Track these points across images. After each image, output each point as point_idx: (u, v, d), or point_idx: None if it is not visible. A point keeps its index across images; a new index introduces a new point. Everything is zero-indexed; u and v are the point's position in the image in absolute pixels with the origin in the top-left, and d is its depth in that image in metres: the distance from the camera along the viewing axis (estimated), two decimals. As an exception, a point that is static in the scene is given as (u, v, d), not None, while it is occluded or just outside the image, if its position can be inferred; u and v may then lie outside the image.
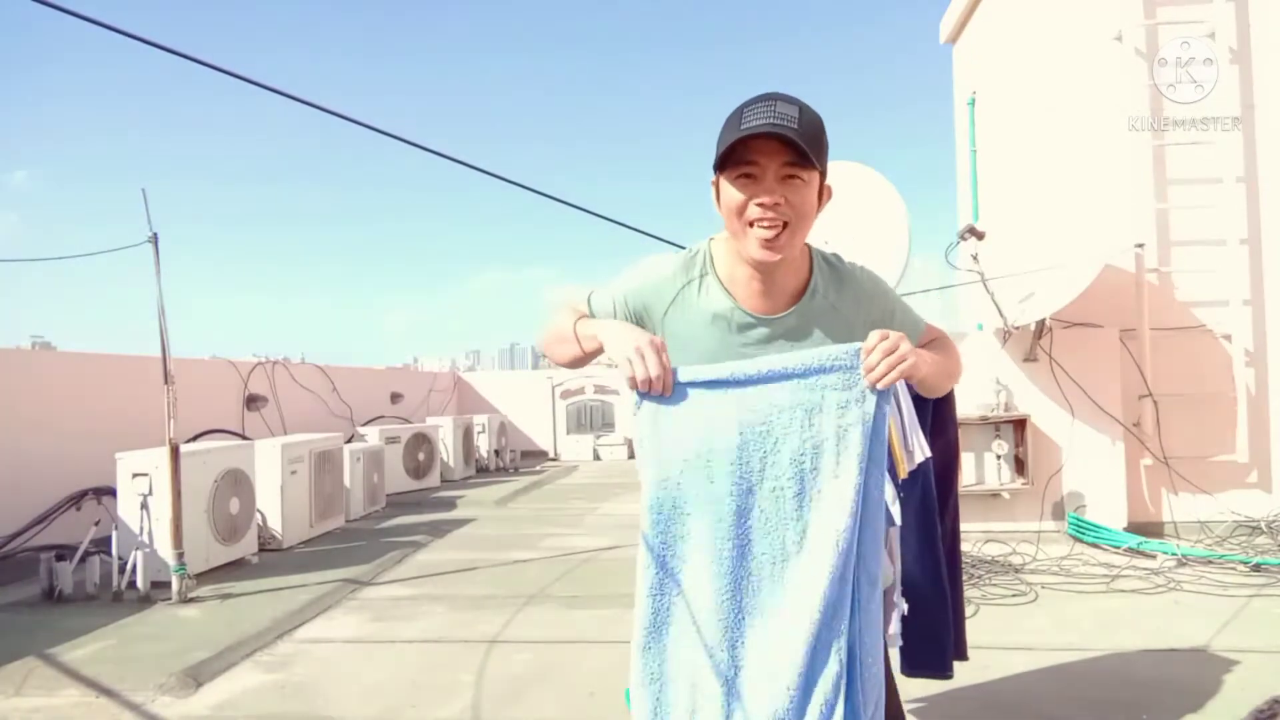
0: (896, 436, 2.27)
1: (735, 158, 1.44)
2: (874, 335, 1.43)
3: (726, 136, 1.44)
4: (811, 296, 1.58)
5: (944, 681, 2.73)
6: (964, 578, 4.20)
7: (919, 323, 1.71)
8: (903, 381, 2.36)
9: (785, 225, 1.45)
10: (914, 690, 2.81)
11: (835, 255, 1.66)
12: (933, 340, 1.73)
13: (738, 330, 1.57)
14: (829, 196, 1.53)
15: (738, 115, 1.44)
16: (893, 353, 1.41)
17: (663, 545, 1.47)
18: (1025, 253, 5.31)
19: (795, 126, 1.40)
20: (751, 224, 1.45)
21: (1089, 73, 5.82)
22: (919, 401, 2.48)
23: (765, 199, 1.44)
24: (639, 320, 1.62)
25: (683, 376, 1.48)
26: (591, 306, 1.66)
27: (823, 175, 1.49)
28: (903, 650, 2.47)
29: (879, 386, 1.42)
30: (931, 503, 2.52)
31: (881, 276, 1.70)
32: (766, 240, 1.45)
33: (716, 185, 1.51)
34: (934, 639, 2.50)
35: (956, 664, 2.60)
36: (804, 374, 1.44)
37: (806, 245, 1.61)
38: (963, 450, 5.42)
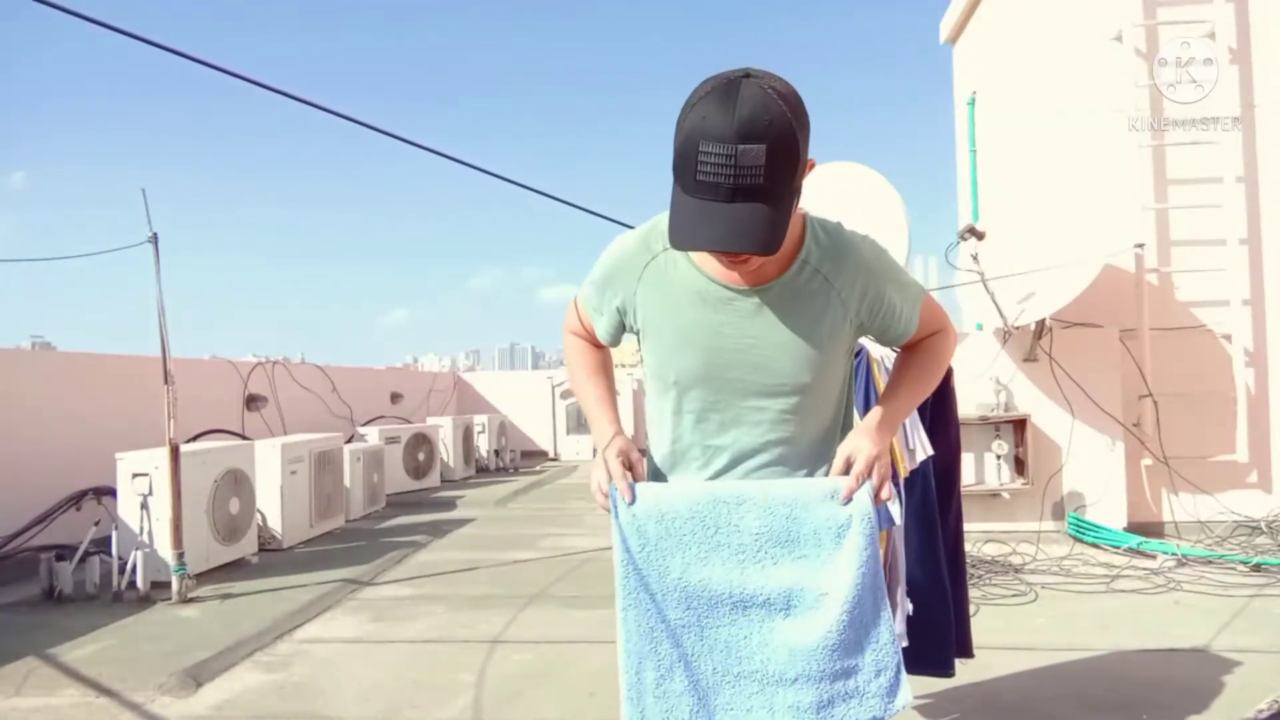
0: (896, 435, 2.26)
1: None
2: (848, 477, 1.41)
3: (680, 181, 1.21)
4: (800, 268, 1.39)
5: (945, 680, 2.74)
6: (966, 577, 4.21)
7: (912, 319, 1.49)
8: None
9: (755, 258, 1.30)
10: (915, 688, 2.80)
11: (837, 223, 1.46)
12: (924, 339, 1.56)
13: (714, 306, 1.40)
14: (811, 168, 1.29)
15: (692, 151, 1.16)
16: (865, 478, 1.39)
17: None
18: (1025, 253, 5.30)
19: (760, 180, 1.15)
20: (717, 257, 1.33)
21: (1089, 73, 5.81)
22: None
23: (725, 259, 1.31)
24: (622, 306, 1.50)
25: (656, 498, 1.51)
26: (579, 307, 1.62)
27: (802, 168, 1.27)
28: (905, 648, 2.48)
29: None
30: (933, 502, 2.53)
31: (887, 250, 1.51)
32: (736, 275, 1.35)
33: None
34: (936, 638, 2.51)
35: (960, 662, 2.60)
36: (784, 503, 1.41)
37: (800, 212, 1.40)
38: (963, 450, 5.41)
